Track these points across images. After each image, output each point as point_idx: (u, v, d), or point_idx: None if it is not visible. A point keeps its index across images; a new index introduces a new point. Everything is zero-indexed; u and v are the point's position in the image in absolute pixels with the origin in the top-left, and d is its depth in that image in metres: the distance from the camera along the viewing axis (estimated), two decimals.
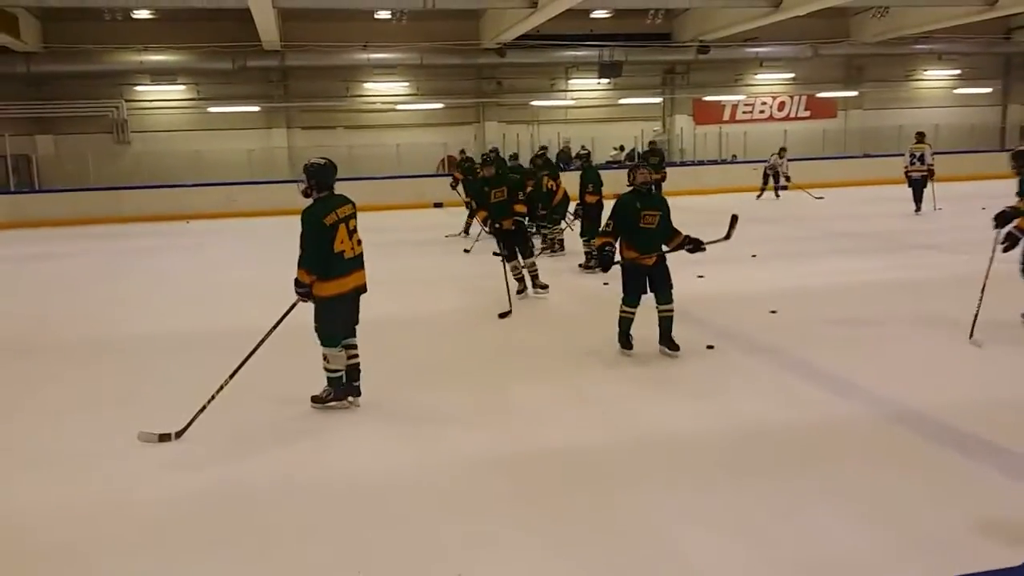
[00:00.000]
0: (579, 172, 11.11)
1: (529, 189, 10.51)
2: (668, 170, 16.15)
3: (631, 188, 6.07)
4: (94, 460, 4.53)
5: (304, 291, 4.92)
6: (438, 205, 20.03)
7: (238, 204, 19.52)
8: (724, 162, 23.98)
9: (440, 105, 23.22)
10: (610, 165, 21.43)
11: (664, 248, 6.08)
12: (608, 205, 10.31)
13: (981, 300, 6.35)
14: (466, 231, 13.84)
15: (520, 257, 8.63)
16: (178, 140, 21.75)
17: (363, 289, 5.15)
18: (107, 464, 4.46)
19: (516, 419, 5.03)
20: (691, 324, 6.18)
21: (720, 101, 25.41)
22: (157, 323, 8.14)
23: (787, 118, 25.72)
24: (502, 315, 7.71)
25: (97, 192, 19.71)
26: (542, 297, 8.62)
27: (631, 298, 6.14)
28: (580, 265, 10.31)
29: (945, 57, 25.50)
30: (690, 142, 25.12)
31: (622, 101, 24.40)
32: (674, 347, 6.09)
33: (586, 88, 24.44)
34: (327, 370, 5.11)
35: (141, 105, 21.98)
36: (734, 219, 6.12)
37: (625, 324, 6.21)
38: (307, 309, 5.01)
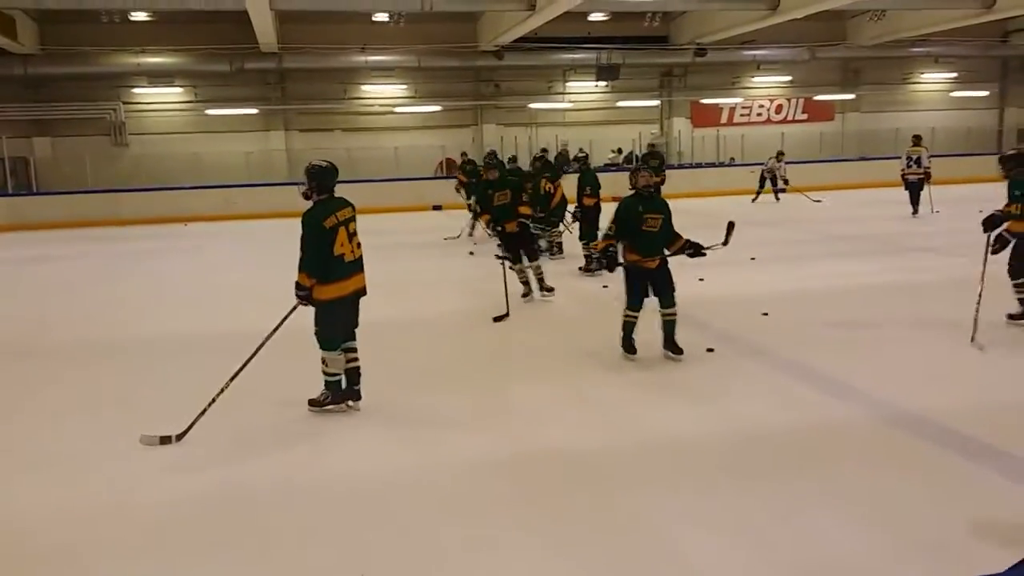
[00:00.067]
0: (577, 175, 11.11)
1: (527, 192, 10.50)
2: (666, 172, 16.16)
3: (633, 191, 6.08)
4: (94, 462, 4.53)
5: (305, 294, 4.92)
6: (437, 208, 20.04)
7: (236, 206, 19.51)
8: (722, 165, 24.00)
9: (438, 108, 23.23)
10: (608, 168, 21.47)
11: (665, 252, 6.09)
12: (606, 208, 10.40)
13: (979, 303, 6.36)
14: (471, 233, 13.84)
15: (526, 260, 8.62)
16: (176, 142, 21.73)
17: (363, 292, 5.15)
18: (107, 466, 4.46)
19: (516, 421, 5.04)
20: (691, 327, 6.20)
21: (718, 104, 25.44)
22: (156, 325, 8.14)
23: (784, 121, 25.76)
24: (497, 319, 7.71)
25: (95, 194, 19.69)
26: (548, 300, 8.60)
27: (634, 302, 6.13)
28: (580, 268, 10.32)
29: (942, 60, 25.55)
30: (688, 145, 25.13)
31: (620, 104, 24.43)
32: (678, 351, 6.09)
33: (584, 91, 24.47)
34: (325, 374, 5.11)
35: (139, 107, 21.96)
36: (731, 226, 6.15)
37: (628, 328, 6.20)
38: (307, 312, 5.01)
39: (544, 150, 16.73)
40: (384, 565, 3.39)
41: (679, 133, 25.11)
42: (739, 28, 20.10)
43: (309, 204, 4.96)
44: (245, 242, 15.62)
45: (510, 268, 8.35)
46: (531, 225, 8.72)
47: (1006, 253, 6.66)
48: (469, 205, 14.11)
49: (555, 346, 6.80)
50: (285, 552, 3.51)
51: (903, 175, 15.22)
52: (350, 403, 5.18)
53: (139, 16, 20.18)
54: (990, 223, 6.50)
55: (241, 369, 4.99)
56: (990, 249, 6.49)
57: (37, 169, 21.15)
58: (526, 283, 8.63)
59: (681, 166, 23.21)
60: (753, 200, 19.05)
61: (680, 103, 25.17)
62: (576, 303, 8.64)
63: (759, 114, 25.83)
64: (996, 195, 6.96)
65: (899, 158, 15.54)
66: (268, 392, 5.42)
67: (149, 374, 6.37)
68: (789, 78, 25.52)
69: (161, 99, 22.05)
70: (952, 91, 26.62)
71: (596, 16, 22.16)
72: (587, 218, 10.41)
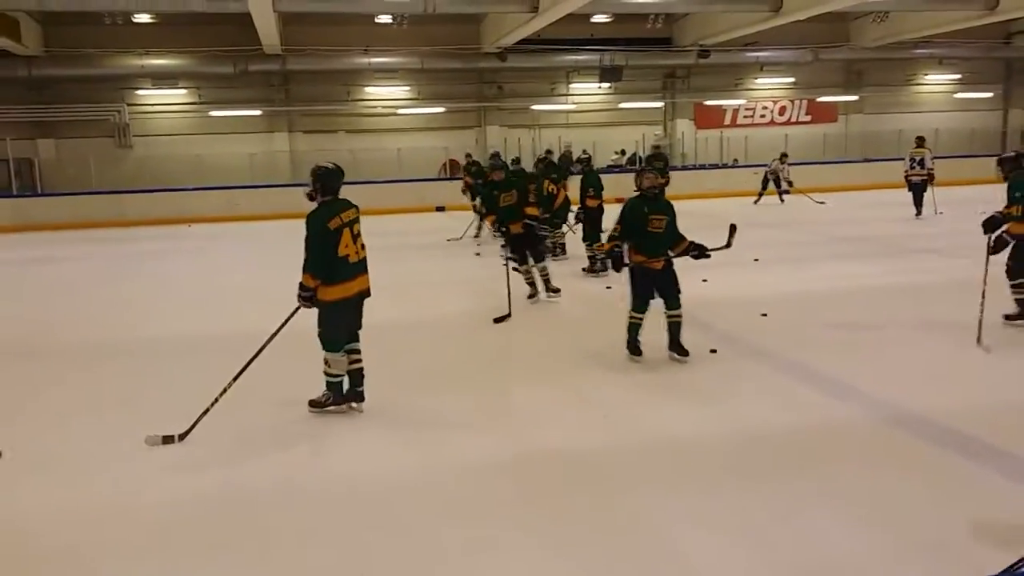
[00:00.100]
0: (579, 176, 11.12)
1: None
2: (670, 174, 16.15)
3: (638, 192, 6.08)
4: (98, 463, 4.55)
5: (308, 295, 4.93)
6: (440, 209, 20.05)
7: (240, 208, 19.55)
8: (725, 166, 23.99)
9: (441, 109, 23.26)
10: (611, 169, 21.48)
11: (669, 253, 6.09)
12: (608, 209, 10.41)
13: (983, 305, 6.38)
14: (477, 235, 13.84)
15: (532, 261, 8.60)
16: (180, 144, 21.78)
17: (367, 293, 5.17)
18: (111, 467, 4.48)
19: (519, 422, 5.05)
20: (694, 328, 6.20)
21: (721, 105, 25.43)
22: (160, 326, 8.16)
23: (788, 122, 25.73)
24: (498, 319, 7.72)
25: (99, 196, 19.71)
26: (554, 301, 8.59)
27: (639, 304, 6.13)
28: (583, 269, 10.32)
29: (946, 61, 25.51)
30: (691, 146, 25.13)
31: (623, 105, 24.43)
32: (683, 352, 6.09)
33: (587, 92, 24.47)
34: (327, 375, 5.12)
35: (143, 109, 22.01)
36: (733, 228, 6.15)
37: (634, 330, 6.19)
38: (311, 313, 5.02)
39: (548, 151, 16.75)
40: (384, 566, 3.40)
41: (682, 135, 25.11)
42: (742, 30, 20.10)
43: (314, 205, 4.98)
44: (249, 243, 15.64)
45: (514, 269, 8.36)
46: (534, 225, 8.71)
47: (1005, 253, 6.70)
48: (474, 206, 14.12)
49: (558, 347, 6.81)
50: (286, 553, 3.52)
51: (906, 176, 15.23)
52: (353, 404, 5.20)
53: (143, 18, 20.24)
54: (990, 225, 6.56)
55: (243, 370, 5.01)
56: (989, 250, 6.53)
57: (41, 170, 21.22)
58: (532, 284, 8.63)
59: (684, 168, 23.18)
60: (755, 202, 19.04)
61: (683, 105, 25.17)
62: (580, 304, 8.65)
63: (762, 116, 25.81)
64: (999, 197, 6.97)
65: (903, 160, 15.52)
66: (271, 393, 5.43)
67: (153, 375, 6.39)
68: (792, 80, 25.51)
69: (165, 101, 22.10)
70: (955, 93, 26.58)
71: (599, 18, 22.15)
72: (590, 219, 10.41)
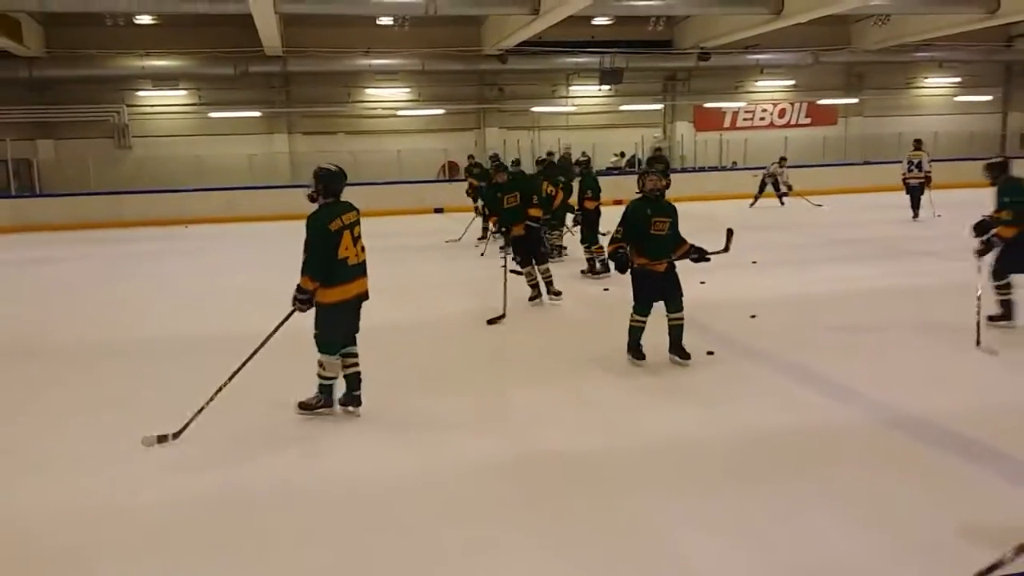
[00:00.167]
0: (578, 178, 11.12)
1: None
2: (670, 177, 16.14)
3: (640, 194, 6.05)
4: (96, 464, 4.55)
5: (305, 299, 4.91)
6: (439, 210, 20.06)
7: (240, 208, 19.54)
8: (725, 169, 23.99)
9: (441, 111, 23.26)
10: (611, 171, 21.48)
11: (670, 256, 6.08)
12: (606, 211, 10.42)
13: (979, 307, 6.41)
14: (484, 235, 13.77)
15: (535, 263, 8.59)
16: (180, 145, 21.77)
17: (365, 296, 5.15)
18: (109, 468, 4.47)
19: (518, 424, 5.05)
20: (693, 330, 6.20)
21: (721, 108, 25.42)
22: (158, 327, 8.16)
23: (788, 125, 25.74)
24: (491, 320, 7.72)
25: (98, 196, 19.69)
26: (555, 304, 8.59)
27: (642, 307, 6.10)
28: (582, 271, 10.32)
29: (946, 65, 25.53)
30: (691, 149, 25.13)
31: (623, 107, 24.44)
32: (685, 356, 6.07)
33: (587, 94, 24.47)
34: (321, 377, 5.11)
35: (143, 110, 22.00)
36: (730, 233, 6.15)
37: (636, 333, 6.16)
38: (309, 313, 5.01)
39: (551, 153, 16.75)
40: (384, 567, 3.40)
41: (682, 137, 25.11)
42: (743, 32, 20.11)
43: (314, 207, 4.98)
44: (248, 244, 15.64)
45: (512, 271, 8.35)
46: (536, 227, 8.71)
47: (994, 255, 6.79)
48: (476, 208, 14.12)
49: (557, 349, 6.81)
50: (284, 554, 3.52)
51: (904, 179, 15.28)
52: (350, 408, 5.18)
53: (144, 19, 20.22)
54: (979, 228, 6.75)
55: (239, 370, 5.00)
56: (975, 252, 6.68)
57: (41, 171, 21.19)
58: (535, 286, 8.62)
59: (684, 170, 23.20)
60: (751, 205, 18.94)
61: (683, 107, 25.18)
62: (579, 306, 8.64)
63: (762, 118, 25.82)
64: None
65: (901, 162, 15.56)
66: (271, 393, 5.43)
67: (151, 375, 6.39)
68: (792, 82, 25.52)
69: (165, 102, 22.09)
70: (956, 96, 26.58)
71: (600, 20, 22.17)
72: (588, 221, 10.41)
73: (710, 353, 6.30)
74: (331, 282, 4.90)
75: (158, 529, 3.77)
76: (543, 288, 8.63)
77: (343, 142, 22.17)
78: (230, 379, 4.97)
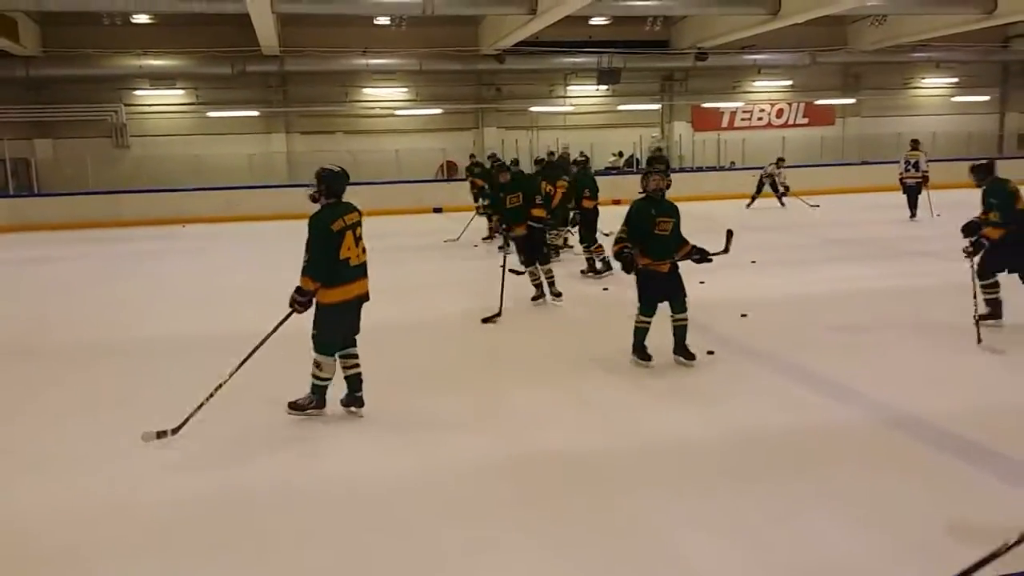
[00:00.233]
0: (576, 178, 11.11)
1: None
2: (670, 176, 16.14)
3: (643, 194, 6.04)
4: (95, 463, 4.54)
5: (304, 300, 4.90)
6: (437, 210, 20.06)
7: (238, 208, 19.52)
8: (723, 169, 24.01)
9: (439, 111, 23.26)
10: (609, 171, 21.49)
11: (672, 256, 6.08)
12: (604, 211, 10.42)
13: (976, 307, 6.46)
14: (489, 235, 13.69)
15: (537, 263, 8.57)
16: (177, 144, 21.75)
17: (366, 297, 5.14)
18: (108, 467, 4.47)
19: (517, 424, 5.05)
20: (693, 330, 6.20)
21: (718, 108, 25.45)
22: (157, 326, 8.15)
23: (785, 125, 25.78)
24: (486, 319, 7.71)
25: (96, 196, 19.67)
26: (557, 304, 8.58)
27: (647, 308, 6.07)
28: (582, 271, 10.32)
29: (943, 65, 25.57)
30: (688, 149, 25.15)
31: (621, 107, 24.45)
32: (689, 356, 6.06)
33: (585, 94, 24.49)
34: (315, 377, 5.08)
35: (140, 109, 21.98)
36: (729, 234, 6.16)
37: (641, 335, 6.13)
38: (309, 314, 5.00)
39: (551, 153, 16.75)
40: (384, 567, 3.40)
41: (680, 137, 25.13)
42: (740, 32, 20.13)
43: (316, 207, 4.97)
44: (246, 244, 15.62)
45: (511, 271, 8.35)
46: (538, 227, 8.70)
47: None
48: (478, 208, 14.10)
49: (557, 349, 6.81)
50: (283, 554, 3.52)
51: (901, 179, 15.31)
52: (353, 409, 5.18)
53: (141, 19, 20.23)
54: (968, 229, 6.88)
55: (239, 366, 4.98)
56: (964, 253, 6.76)
57: (38, 170, 21.17)
58: (538, 286, 8.61)
59: (682, 170, 23.19)
60: (748, 205, 18.86)
61: (681, 107, 25.20)
62: (578, 306, 8.64)
63: (760, 118, 25.85)
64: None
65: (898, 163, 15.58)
66: (270, 393, 5.41)
67: (149, 375, 6.38)
68: (790, 82, 25.55)
69: (163, 101, 22.07)
70: (953, 96, 26.64)
71: (597, 20, 22.17)
72: (586, 221, 10.40)
73: (710, 353, 6.31)
74: (332, 283, 4.90)
75: (157, 528, 3.77)
76: (546, 288, 8.62)
77: (341, 142, 22.16)
78: (231, 375, 4.96)
